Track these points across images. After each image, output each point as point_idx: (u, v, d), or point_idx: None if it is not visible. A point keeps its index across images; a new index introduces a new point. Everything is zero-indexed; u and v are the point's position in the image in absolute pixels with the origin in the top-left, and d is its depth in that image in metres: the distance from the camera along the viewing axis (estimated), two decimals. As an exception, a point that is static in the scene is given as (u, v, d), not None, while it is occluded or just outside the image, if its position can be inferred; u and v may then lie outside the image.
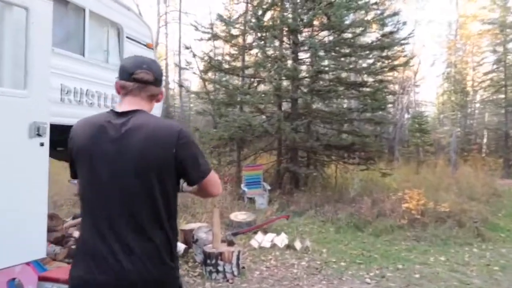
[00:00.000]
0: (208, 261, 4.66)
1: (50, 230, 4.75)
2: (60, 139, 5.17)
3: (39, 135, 3.01)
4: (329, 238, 6.76)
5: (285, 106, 11.10)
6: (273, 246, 6.00)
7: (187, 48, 10.71)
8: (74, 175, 1.65)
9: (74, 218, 5.33)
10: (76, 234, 4.73)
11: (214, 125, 11.20)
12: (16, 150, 2.87)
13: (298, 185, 10.16)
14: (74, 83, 3.69)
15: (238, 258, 4.72)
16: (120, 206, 1.51)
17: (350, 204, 8.37)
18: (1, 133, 2.79)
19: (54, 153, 5.28)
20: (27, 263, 3.75)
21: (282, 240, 6.15)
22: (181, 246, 5.41)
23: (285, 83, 10.92)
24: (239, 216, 7.00)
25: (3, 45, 2.86)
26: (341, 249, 6.15)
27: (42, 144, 3.04)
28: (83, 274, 1.50)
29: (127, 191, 1.51)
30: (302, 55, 11.02)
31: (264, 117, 10.87)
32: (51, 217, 4.79)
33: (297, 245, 5.97)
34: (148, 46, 4.87)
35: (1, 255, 2.75)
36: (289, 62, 10.23)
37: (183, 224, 6.25)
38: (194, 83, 23.83)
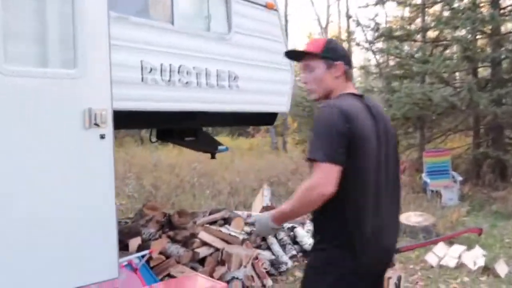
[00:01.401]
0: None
1: (177, 228, 4.31)
2: (186, 129, 4.77)
3: (97, 124, 2.35)
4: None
5: (480, 72, 8.48)
6: (461, 266, 4.22)
7: (349, 17, 9.27)
8: (342, 161, 1.54)
9: (210, 213, 4.81)
10: (204, 235, 4.16)
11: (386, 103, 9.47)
12: (68, 145, 2.27)
13: (505, 175, 7.57)
14: (160, 59, 2.97)
15: (397, 287, 3.29)
16: (390, 190, 1.69)
17: None
18: (49, 125, 2.22)
19: (185, 144, 4.93)
20: (134, 270, 3.30)
21: (475, 258, 4.29)
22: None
23: (479, 42, 8.33)
24: (412, 217, 5.35)
25: (46, 13, 2.28)
26: None
27: (103, 137, 2.38)
28: (371, 257, 1.62)
29: (394, 175, 1.72)
30: (505, 1, 8.18)
31: (449, 88, 8.54)
32: (179, 213, 4.35)
33: (501, 268, 4.03)
34: (268, 6, 3.86)
35: (53, 276, 2.20)
36: (485, 11, 7.65)
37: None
38: (356, 58, 21.50)
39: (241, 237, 4.03)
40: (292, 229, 4.95)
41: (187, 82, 3.15)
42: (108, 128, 2.42)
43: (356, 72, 17.20)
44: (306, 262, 1.81)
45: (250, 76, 3.66)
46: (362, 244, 1.59)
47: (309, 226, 5.14)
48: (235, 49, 3.52)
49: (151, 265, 3.89)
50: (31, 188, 2.16)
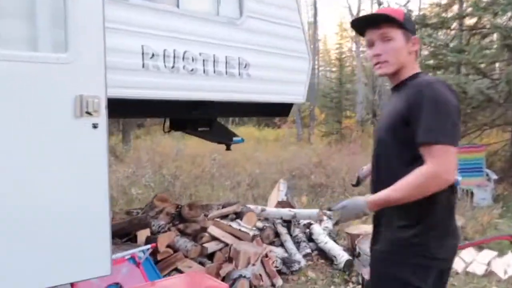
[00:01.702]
0: (368, 293, 3.14)
1: (187, 220, 4.19)
2: (199, 118, 4.61)
3: (88, 113, 2.21)
4: None
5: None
6: (490, 274, 3.87)
7: (380, 4, 8.81)
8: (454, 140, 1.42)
9: (223, 207, 4.65)
10: (214, 230, 4.01)
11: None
12: (57, 135, 2.14)
13: (545, 175, 7.02)
14: (163, 44, 2.79)
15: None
16: None
17: None
18: (37, 113, 2.09)
19: (199, 134, 4.77)
20: (137, 265, 3.19)
21: (506, 265, 3.93)
22: (342, 256, 4.03)
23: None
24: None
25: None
26: None
27: (95, 126, 2.23)
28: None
29: None
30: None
31: (486, 80, 7.97)
32: (189, 206, 4.22)
33: (535, 279, 3.67)
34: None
35: (39, 273, 2.09)
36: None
37: (352, 225, 4.79)
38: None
39: (251, 233, 3.85)
40: (308, 226, 4.73)
41: (192, 70, 2.96)
42: (101, 117, 2.26)
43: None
44: (381, 247, 1.64)
45: (263, 64, 3.43)
46: (452, 236, 1.56)
47: (327, 223, 4.90)
48: (247, 34, 3.30)
49: (158, 258, 3.80)
50: (18, 180, 2.04)
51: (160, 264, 3.76)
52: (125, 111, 2.97)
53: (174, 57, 2.85)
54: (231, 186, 7.44)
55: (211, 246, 3.84)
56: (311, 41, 22.83)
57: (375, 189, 1.62)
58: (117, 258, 3.15)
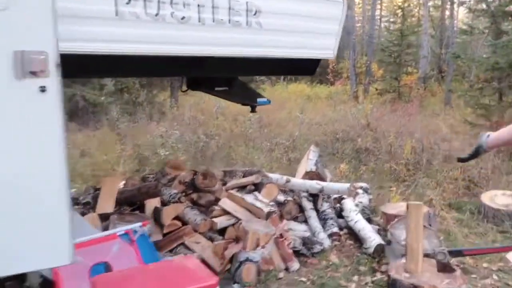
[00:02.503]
0: (396, 291, 2.60)
1: (201, 190, 3.82)
2: (217, 78, 4.09)
3: (33, 73, 1.79)
4: None
5: None
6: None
7: None
8: None
9: (244, 176, 4.22)
10: (227, 203, 3.61)
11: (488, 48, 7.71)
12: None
13: None
14: (144, -14, 2.26)
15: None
16: None
17: None
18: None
19: (217, 94, 4.28)
20: (131, 242, 2.89)
21: None
22: (373, 240, 3.46)
23: None
24: (499, 198, 4.19)
25: None
26: None
27: (43, 89, 1.82)
28: None
29: None
30: None
31: None
32: (204, 175, 3.83)
33: None
34: None
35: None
36: None
37: (392, 202, 4.16)
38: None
39: (266, 209, 3.39)
40: (339, 200, 4.17)
41: (183, 18, 2.42)
42: (50, 77, 1.84)
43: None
44: None
45: (278, 10, 2.80)
46: None
47: (362, 197, 4.30)
48: (257, -28, 2.66)
49: (165, 231, 3.50)
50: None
51: (167, 237, 3.48)
52: (96, 70, 2.54)
53: (159, 2, 2.32)
54: (268, 148, 6.97)
55: (221, 221, 3.46)
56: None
57: None
58: (107, 234, 2.91)
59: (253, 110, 4.19)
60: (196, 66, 2.80)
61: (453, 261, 2.58)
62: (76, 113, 10.30)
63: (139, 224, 2.84)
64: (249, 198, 3.57)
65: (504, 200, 4.11)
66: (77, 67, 2.42)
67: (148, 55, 2.40)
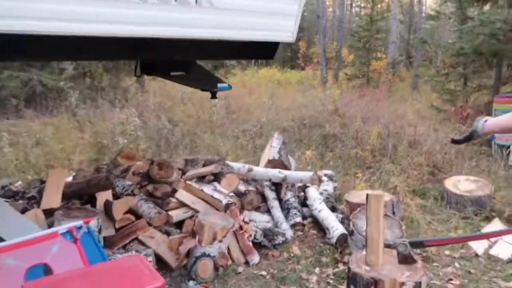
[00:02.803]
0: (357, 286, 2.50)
1: (157, 181, 3.61)
2: (173, 62, 3.86)
3: None
4: None
5: None
6: (517, 259, 3.14)
7: None
8: None
9: (205, 165, 4.02)
10: (183, 194, 3.42)
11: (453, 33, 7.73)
12: None
13: None
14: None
15: (416, 294, 2.36)
16: None
17: None
18: None
19: (174, 79, 4.05)
20: (74, 241, 2.67)
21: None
22: (336, 229, 3.37)
23: None
24: (462, 183, 4.19)
25: None
26: None
27: None
28: None
29: None
30: None
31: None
32: (159, 165, 3.60)
33: None
34: None
35: None
36: None
37: (356, 189, 4.08)
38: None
39: (225, 201, 3.23)
40: (304, 188, 4.06)
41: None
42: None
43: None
44: None
45: (231, -12, 2.59)
46: None
47: (327, 185, 4.21)
48: None
49: (117, 226, 3.29)
50: None
51: (119, 233, 3.26)
52: (30, 52, 2.25)
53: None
54: (235, 135, 6.79)
55: (177, 214, 3.28)
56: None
57: None
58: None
59: (213, 96, 3.99)
60: (144, 48, 2.56)
61: (412, 251, 2.50)
62: (33, 99, 9.76)
63: (80, 223, 2.61)
64: (207, 189, 3.40)
65: (467, 186, 4.10)
66: (8, 49, 2.15)
67: (87, 36, 2.14)
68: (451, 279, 2.90)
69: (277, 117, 8.01)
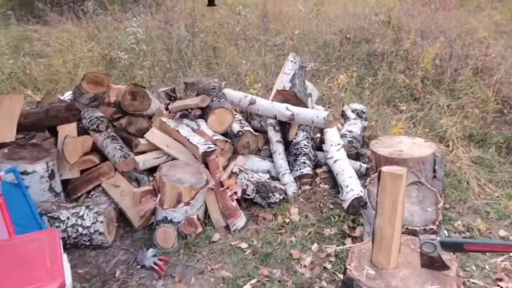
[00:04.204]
0: None
1: (133, 114, 2.90)
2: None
3: None
4: None
5: None
6: None
7: None
8: None
9: (197, 94, 3.21)
10: (156, 135, 2.71)
11: None
12: None
13: None
14: None
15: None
16: None
17: None
18: None
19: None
20: None
21: None
22: (350, 190, 2.56)
23: None
24: None
25: None
26: None
27: None
28: None
29: None
30: None
31: None
32: (132, 93, 2.85)
33: None
34: None
35: None
36: None
37: (391, 133, 3.11)
38: None
39: (203, 148, 2.47)
40: (321, 130, 3.16)
41: None
42: None
43: None
44: None
45: None
46: None
47: (353, 124, 3.29)
48: None
49: (76, 168, 2.70)
50: None
51: (82, 177, 2.69)
52: None
53: None
54: (260, 50, 5.78)
55: (145, 160, 2.60)
56: None
57: None
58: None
59: (210, 3, 3.05)
60: None
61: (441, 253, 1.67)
62: (59, 2, 9.09)
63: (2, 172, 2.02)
64: (185, 129, 2.64)
65: None
66: None
67: None
68: (500, 279, 2.06)
69: (318, 28, 6.76)
